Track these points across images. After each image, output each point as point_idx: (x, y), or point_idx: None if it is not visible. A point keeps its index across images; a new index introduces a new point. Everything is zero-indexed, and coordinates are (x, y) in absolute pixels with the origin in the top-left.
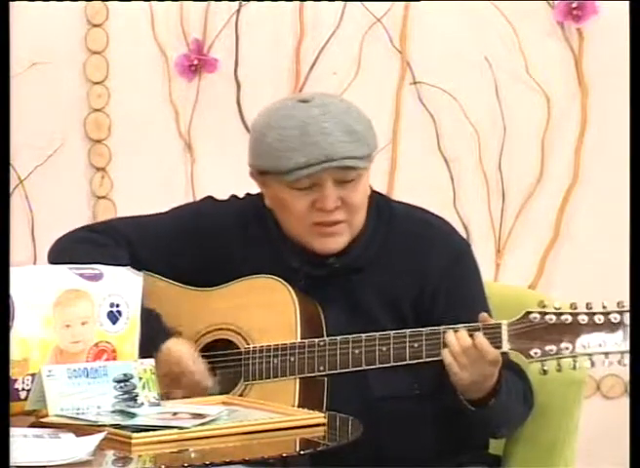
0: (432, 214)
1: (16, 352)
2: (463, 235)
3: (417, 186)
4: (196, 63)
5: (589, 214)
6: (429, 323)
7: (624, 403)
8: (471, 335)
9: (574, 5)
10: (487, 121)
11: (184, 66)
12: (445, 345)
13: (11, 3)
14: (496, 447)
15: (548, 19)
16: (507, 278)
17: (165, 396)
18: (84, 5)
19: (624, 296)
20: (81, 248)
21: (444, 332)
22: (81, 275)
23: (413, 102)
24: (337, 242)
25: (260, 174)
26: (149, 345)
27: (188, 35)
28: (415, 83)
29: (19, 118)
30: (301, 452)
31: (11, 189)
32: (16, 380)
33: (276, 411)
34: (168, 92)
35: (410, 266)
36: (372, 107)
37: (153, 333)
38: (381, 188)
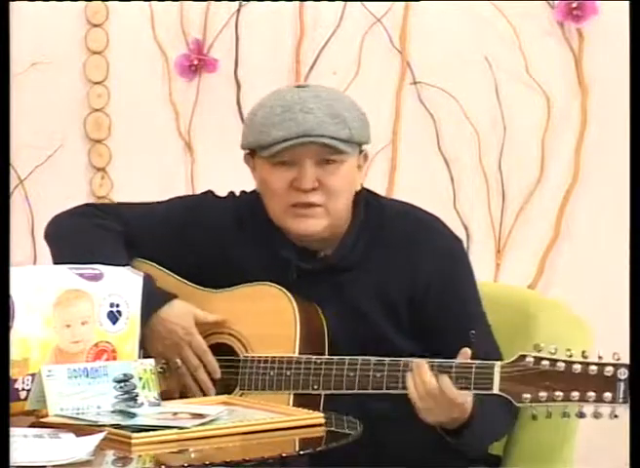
0: (423, 212)
1: (16, 352)
2: (463, 235)
3: (417, 186)
4: (196, 63)
5: (589, 214)
6: (423, 321)
7: None
8: (437, 376)
9: (574, 5)
10: (487, 121)
11: (184, 66)
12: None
13: (11, 3)
14: (496, 446)
15: (548, 19)
16: (507, 278)
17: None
18: (84, 5)
19: (624, 296)
20: (76, 219)
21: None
22: (81, 275)
23: (413, 102)
24: (312, 224)
25: (250, 156)
26: (145, 308)
27: (188, 35)
28: (415, 83)
29: (19, 118)
30: (301, 452)
31: (11, 189)
32: (16, 380)
33: (276, 411)
34: (168, 92)
35: (400, 264)
36: (372, 107)
37: (149, 296)
38: (381, 188)
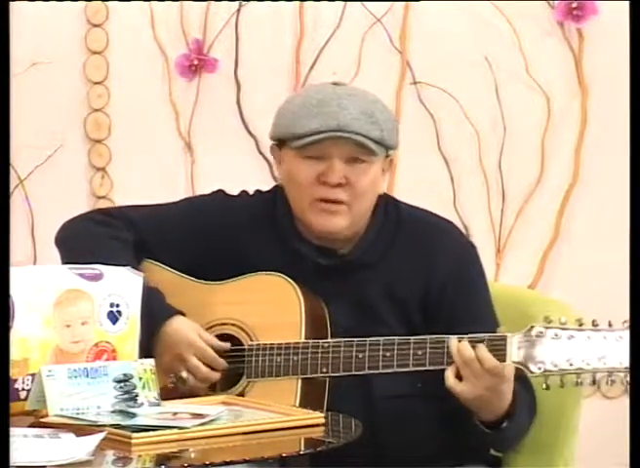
0: (439, 217)
1: (16, 352)
2: None
3: (417, 186)
4: (196, 63)
5: (589, 214)
6: (436, 325)
7: (624, 403)
8: (474, 347)
9: (574, 5)
10: (487, 121)
11: (184, 66)
12: (449, 359)
13: (11, 3)
14: None
15: (548, 19)
16: (507, 278)
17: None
18: (84, 5)
19: (624, 296)
20: (91, 227)
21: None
22: (81, 275)
23: (413, 102)
24: (335, 222)
25: (277, 147)
26: (153, 322)
27: (188, 35)
28: (415, 83)
29: (19, 118)
30: (301, 452)
31: (11, 189)
32: (16, 380)
33: (276, 411)
34: (168, 92)
35: (416, 267)
36: None
37: (157, 310)
38: None
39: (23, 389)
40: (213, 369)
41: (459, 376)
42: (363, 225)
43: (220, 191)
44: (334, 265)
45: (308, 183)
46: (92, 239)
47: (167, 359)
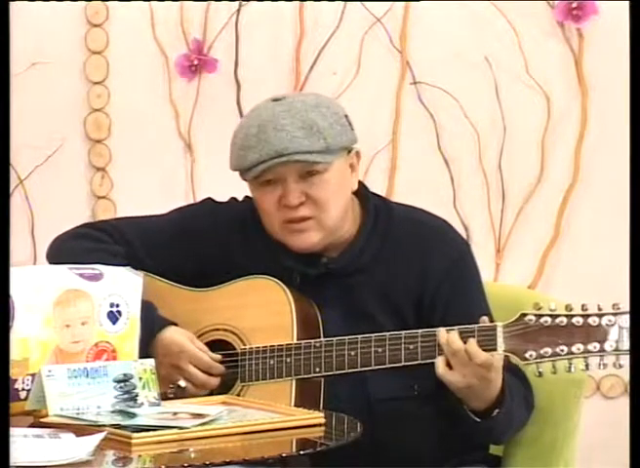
0: (432, 215)
1: (16, 352)
2: (463, 235)
3: (417, 186)
4: (196, 63)
5: (589, 214)
6: (431, 324)
7: (624, 403)
8: (465, 339)
9: (574, 5)
10: (487, 121)
11: (184, 66)
12: (441, 352)
13: (11, 3)
14: (496, 447)
15: (548, 19)
16: (507, 278)
17: (171, 388)
18: (84, 5)
19: (624, 296)
20: (78, 242)
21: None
22: (81, 275)
23: (413, 102)
24: (307, 238)
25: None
26: (147, 335)
27: (188, 35)
28: (415, 83)
29: (19, 118)
30: (301, 452)
31: (11, 189)
32: (16, 380)
33: (276, 411)
34: (168, 92)
35: (409, 268)
36: (372, 107)
37: (150, 323)
38: (382, 188)
39: (23, 389)
40: (210, 375)
41: (449, 365)
42: (348, 228)
43: (209, 199)
44: (321, 274)
45: (272, 208)
46: (77, 253)
47: (164, 369)
